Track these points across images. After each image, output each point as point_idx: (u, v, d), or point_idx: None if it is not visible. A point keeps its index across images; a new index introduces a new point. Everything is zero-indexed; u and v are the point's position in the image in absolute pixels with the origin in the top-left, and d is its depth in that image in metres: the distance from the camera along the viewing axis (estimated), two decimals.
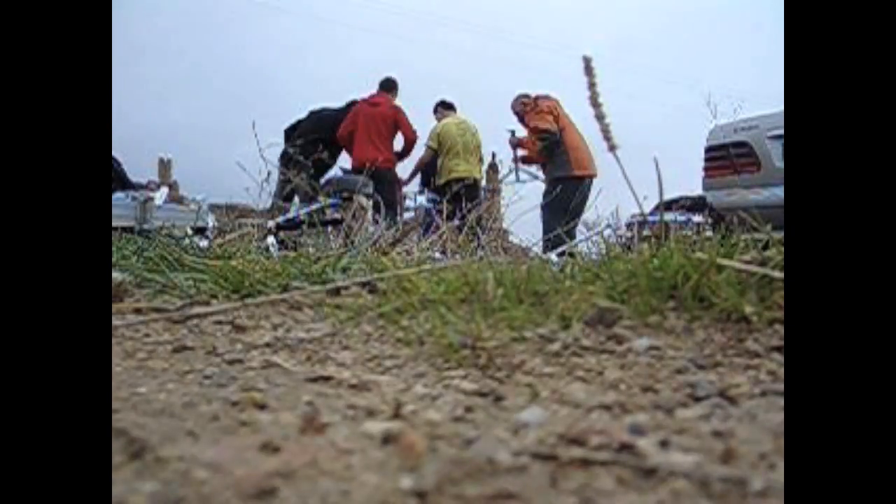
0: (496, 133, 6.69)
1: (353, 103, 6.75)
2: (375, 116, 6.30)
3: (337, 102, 6.86)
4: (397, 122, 6.40)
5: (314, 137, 6.08)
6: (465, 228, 3.67)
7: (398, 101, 6.55)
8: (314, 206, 4.81)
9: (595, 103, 1.25)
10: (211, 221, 5.83)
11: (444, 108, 6.77)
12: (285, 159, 5.77)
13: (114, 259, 1.99)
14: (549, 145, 5.68)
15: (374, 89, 6.57)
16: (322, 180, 5.70)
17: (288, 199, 5.63)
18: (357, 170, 5.91)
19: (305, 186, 5.01)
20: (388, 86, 6.57)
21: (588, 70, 1.25)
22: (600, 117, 1.25)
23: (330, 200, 5.03)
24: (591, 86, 1.24)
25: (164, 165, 12.40)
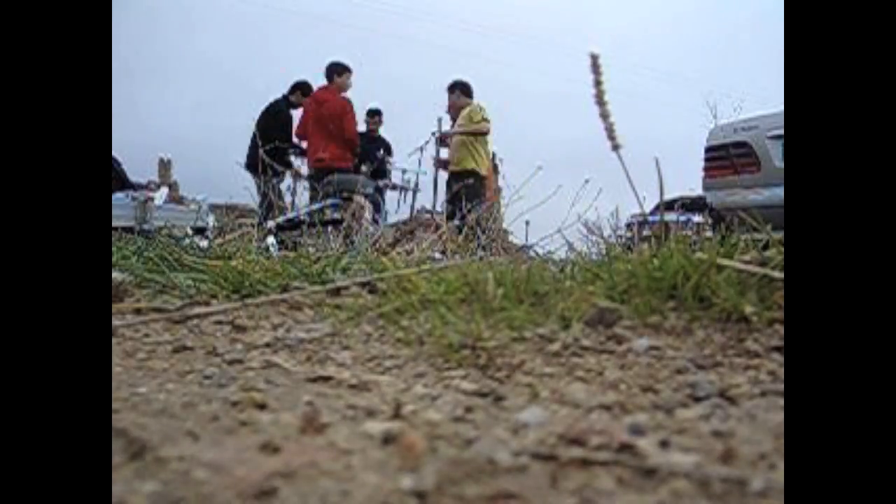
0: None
1: (297, 86, 6.46)
2: (323, 116, 5.89)
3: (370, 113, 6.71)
4: (342, 119, 5.89)
5: (266, 136, 5.94)
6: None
7: (350, 86, 6.06)
8: (314, 207, 4.82)
9: (600, 101, 1.23)
10: (211, 221, 5.83)
11: (462, 91, 6.14)
12: (258, 169, 5.57)
13: (114, 259, 1.99)
14: None
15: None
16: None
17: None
18: (317, 170, 5.67)
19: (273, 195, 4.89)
20: (333, 73, 6.06)
21: (595, 68, 1.23)
22: (605, 116, 1.23)
23: (330, 200, 5.04)
24: (597, 84, 1.23)
25: (164, 165, 12.36)
